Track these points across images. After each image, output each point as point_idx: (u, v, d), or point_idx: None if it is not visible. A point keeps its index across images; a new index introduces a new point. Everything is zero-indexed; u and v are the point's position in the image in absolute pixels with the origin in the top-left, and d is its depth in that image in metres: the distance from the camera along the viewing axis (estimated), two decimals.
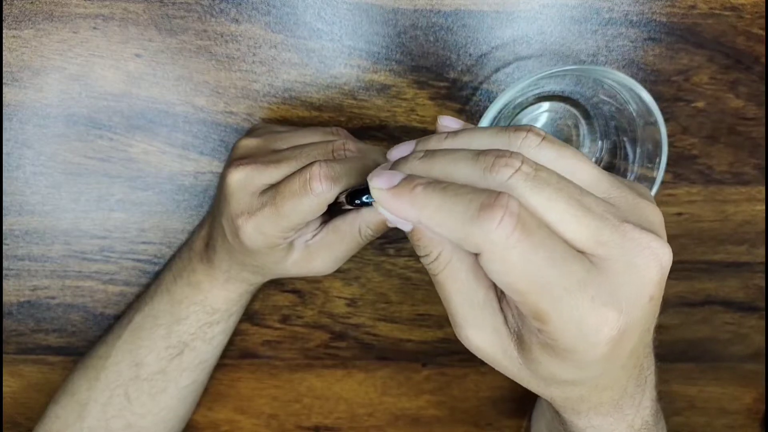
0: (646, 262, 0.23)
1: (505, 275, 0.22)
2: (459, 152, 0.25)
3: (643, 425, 0.30)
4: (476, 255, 0.22)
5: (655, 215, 0.25)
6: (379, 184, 0.25)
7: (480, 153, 0.24)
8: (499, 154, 0.23)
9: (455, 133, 0.27)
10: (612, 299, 0.22)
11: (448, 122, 0.28)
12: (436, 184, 0.24)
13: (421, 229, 0.25)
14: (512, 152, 0.23)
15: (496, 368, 0.26)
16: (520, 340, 0.25)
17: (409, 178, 0.24)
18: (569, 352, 0.23)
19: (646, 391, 0.29)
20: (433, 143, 0.27)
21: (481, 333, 0.25)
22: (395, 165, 0.26)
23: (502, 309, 0.25)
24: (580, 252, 0.23)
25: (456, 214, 0.22)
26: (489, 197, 0.22)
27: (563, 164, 0.25)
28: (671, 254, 0.24)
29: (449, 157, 0.25)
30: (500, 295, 0.26)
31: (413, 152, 0.27)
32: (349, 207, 0.31)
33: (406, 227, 0.25)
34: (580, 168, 0.25)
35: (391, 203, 0.24)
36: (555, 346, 0.23)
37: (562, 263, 0.22)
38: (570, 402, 0.27)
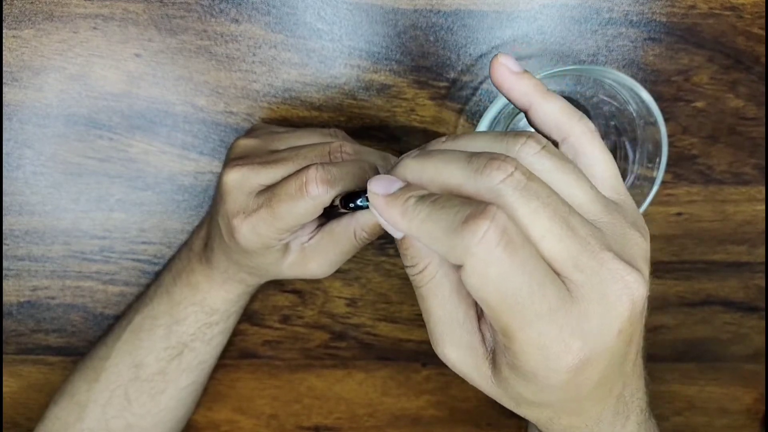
0: (618, 295, 0.23)
1: (480, 290, 0.22)
2: (454, 152, 0.24)
3: None
4: (459, 268, 0.22)
5: (640, 247, 0.25)
6: (376, 189, 0.25)
7: (474, 154, 0.24)
8: (493, 156, 0.23)
9: (454, 136, 0.27)
10: (579, 329, 0.22)
11: (505, 60, 0.27)
12: (429, 196, 0.23)
13: (411, 239, 0.25)
14: (506, 156, 0.23)
15: (471, 384, 0.26)
16: (493, 358, 0.25)
17: (405, 189, 0.24)
18: (531, 374, 0.23)
19: (630, 416, 0.28)
20: (431, 146, 0.27)
21: (457, 350, 0.25)
22: (392, 170, 0.26)
23: (480, 328, 0.25)
24: (557, 273, 0.23)
25: (442, 225, 0.22)
26: (476, 208, 0.21)
27: (559, 178, 0.24)
28: (646, 290, 0.24)
29: (443, 157, 0.24)
30: (480, 313, 0.25)
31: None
32: (345, 210, 0.31)
33: (397, 235, 0.25)
34: (576, 185, 0.24)
35: (384, 210, 0.24)
36: (519, 366, 0.23)
37: (538, 288, 0.22)
38: (541, 423, 0.27)
